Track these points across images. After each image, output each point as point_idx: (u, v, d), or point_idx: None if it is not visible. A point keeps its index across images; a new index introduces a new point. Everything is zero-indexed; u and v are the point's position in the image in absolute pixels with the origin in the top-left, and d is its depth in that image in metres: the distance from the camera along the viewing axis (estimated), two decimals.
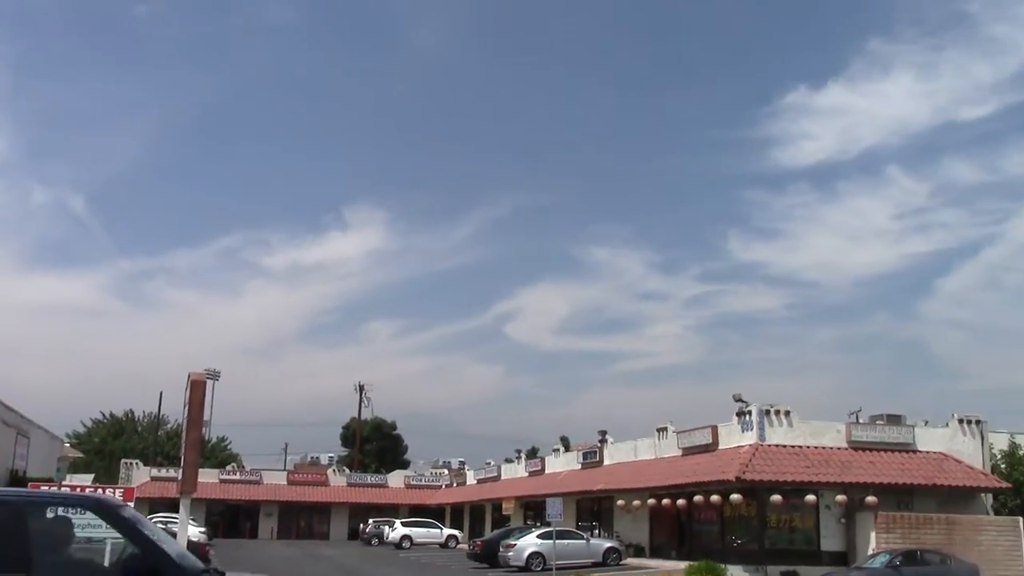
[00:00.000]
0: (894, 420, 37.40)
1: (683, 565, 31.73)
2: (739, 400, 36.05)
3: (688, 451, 38.88)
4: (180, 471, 16.90)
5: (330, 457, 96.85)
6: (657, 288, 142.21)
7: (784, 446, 34.89)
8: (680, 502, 36.64)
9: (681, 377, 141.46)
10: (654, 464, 41.04)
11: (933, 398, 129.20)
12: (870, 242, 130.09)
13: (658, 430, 42.13)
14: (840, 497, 33.43)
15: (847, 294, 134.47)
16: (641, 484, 39.64)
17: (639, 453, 43.79)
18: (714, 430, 37.51)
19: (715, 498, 34.14)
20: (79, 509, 8.37)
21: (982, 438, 37.07)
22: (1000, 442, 37.97)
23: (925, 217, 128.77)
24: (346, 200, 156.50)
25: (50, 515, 8.17)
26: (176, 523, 18.64)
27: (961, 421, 37.28)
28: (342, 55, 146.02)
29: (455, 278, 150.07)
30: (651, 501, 38.56)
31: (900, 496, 34.98)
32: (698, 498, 35.24)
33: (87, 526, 8.29)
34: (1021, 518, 34.26)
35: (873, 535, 32.56)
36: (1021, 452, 37.32)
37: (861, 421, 37.40)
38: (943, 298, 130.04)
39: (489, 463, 68.36)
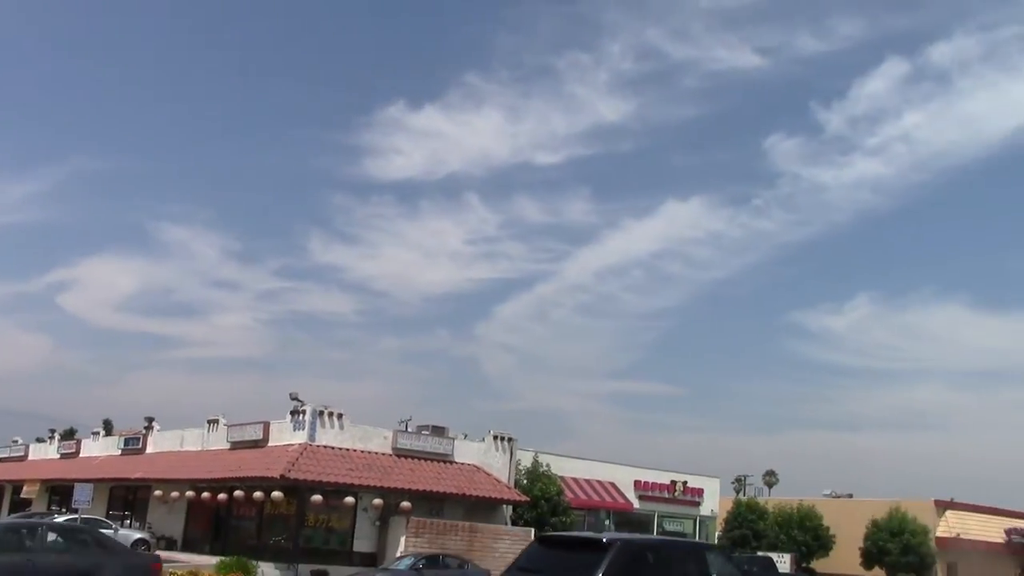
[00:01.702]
0: (438, 431, 39.64)
1: (215, 560, 31.10)
2: (295, 399, 36.23)
3: (237, 445, 38.28)
4: None
5: None
6: (232, 277, 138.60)
7: (332, 448, 35.59)
8: (221, 496, 35.93)
9: (245, 370, 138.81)
10: (200, 456, 39.92)
11: (479, 414, 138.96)
12: (442, 262, 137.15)
13: (209, 421, 41.08)
14: (377, 501, 34.75)
15: (415, 308, 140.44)
16: (183, 475, 38.35)
17: (186, 443, 42.39)
18: (266, 426, 37.32)
19: (257, 494, 33.91)
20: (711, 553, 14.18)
21: (511, 454, 40.51)
22: (526, 459, 41.65)
23: (493, 246, 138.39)
24: None
25: (712, 557, 13.85)
26: None
27: (496, 437, 40.47)
28: None
29: (8, 236, 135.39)
30: (190, 493, 37.44)
31: (433, 503, 37.09)
32: (239, 493, 34.80)
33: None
34: (534, 529, 37.81)
35: (403, 539, 34.17)
36: (542, 469, 41.16)
37: (409, 430, 39.18)
38: (498, 323, 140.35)
39: (16, 441, 62.25)
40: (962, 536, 55.05)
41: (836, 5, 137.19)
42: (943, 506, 56.61)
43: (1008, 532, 58.48)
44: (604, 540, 12.71)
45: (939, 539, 53.95)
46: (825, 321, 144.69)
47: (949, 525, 55.48)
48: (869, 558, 51.31)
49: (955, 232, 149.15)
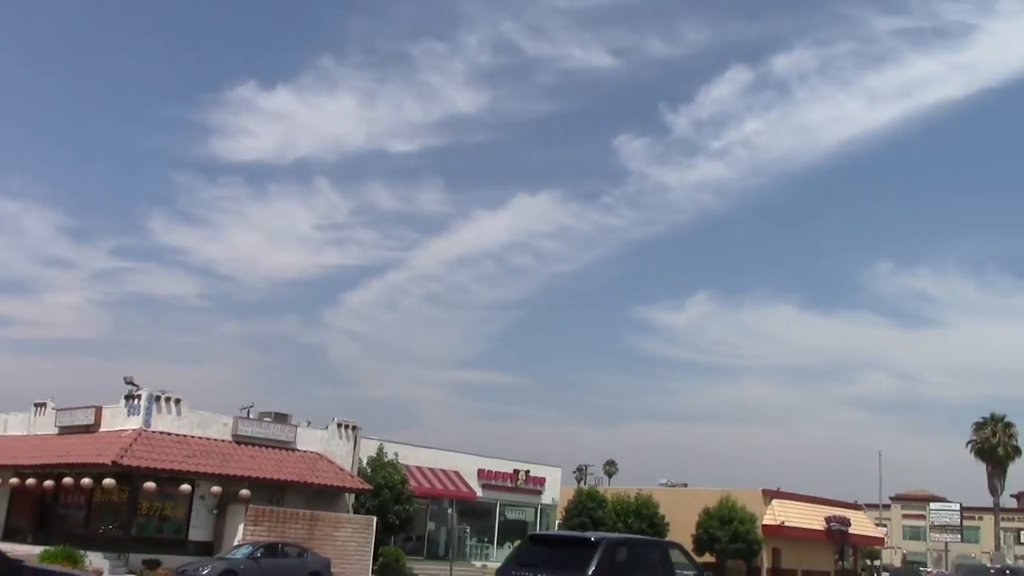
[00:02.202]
0: (281, 418, 38.97)
1: (39, 550, 29.70)
2: (130, 383, 34.89)
3: (66, 430, 36.63)
4: None
5: None
6: (65, 255, 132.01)
7: (169, 434, 34.48)
8: (47, 483, 34.34)
9: (77, 352, 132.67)
10: (25, 441, 38.03)
11: (324, 402, 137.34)
12: (291, 246, 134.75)
13: (36, 405, 39.17)
14: (215, 488, 33.91)
15: (261, 293, 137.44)
16: (5, 461, 36.44)
17: (9, 428, 40.33)
18: (98, 411, 35.85)
19: (86, 481, 32.57)
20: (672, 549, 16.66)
21: (355, 442, 40.22)
22: (371, 447, 41.41)
23: (344, 232, 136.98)
24: None
25: (672, 551, 16.41)
26: None
27: (340, 425, 40.09)
28: None
29: None
30: (14, 480, 35.64)
31: (274, 491, 36.47)
32: (68, 480, 33.34)
33: None
34: (376, 517, 37.71)
35: (241, 527, 33.47)
36: (387, 458, 41.01)
37: (250, 417, 38.37)
38: (346, 310, 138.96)
39: None
40: (786, 524, 57.99)
41: (684, 12, 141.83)
42: (770, 495, 59.48)
43: (828, 520, 61.94)
44: (593, 539, 15.37)
45: (765, 526, 56.66)
46: (666, 317, 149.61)
47: (775, 513, 58.33)
48: (700, 544, 53.35)
49: (789, 236, 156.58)
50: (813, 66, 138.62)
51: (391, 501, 39.41)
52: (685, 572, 16.86)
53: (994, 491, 72.61)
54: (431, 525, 45.77)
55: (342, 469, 38.69)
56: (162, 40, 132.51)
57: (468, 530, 47.40)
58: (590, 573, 13.92)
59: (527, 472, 50.12)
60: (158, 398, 34.67)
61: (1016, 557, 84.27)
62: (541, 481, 50.88)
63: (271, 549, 30.83)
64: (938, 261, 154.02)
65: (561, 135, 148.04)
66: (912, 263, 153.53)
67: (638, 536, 21.26)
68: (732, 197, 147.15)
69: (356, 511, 38.70)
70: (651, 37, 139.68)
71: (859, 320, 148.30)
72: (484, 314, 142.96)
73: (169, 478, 33.05)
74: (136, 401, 34.41)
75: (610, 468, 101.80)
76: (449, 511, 45.31)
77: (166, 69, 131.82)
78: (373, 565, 36.98)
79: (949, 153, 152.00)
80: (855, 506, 69.43)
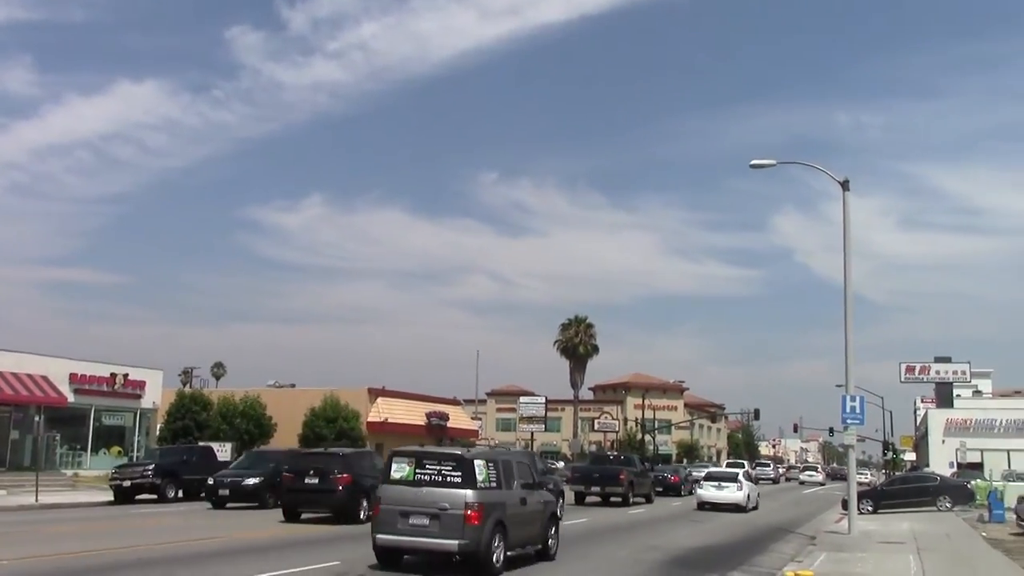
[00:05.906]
0: None
1: None
2: None
3: None
4: None
5: None
6: None
7: None
8: None
9: None
10: None
11: None
12: None
13: None
14: None
15: None
16: None
17: None
18: None
19: None
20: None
21: None
22: None
23: None
24: None
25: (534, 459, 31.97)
26: None
27: None
28: None
29: None
30: None
31: None
32: None
33: None
34: None
35: None
36: None
37: None
38: None
39: None
40: (390, 420, 60.74)
41: None
42: (375, 393, 61.85)
43: (428, 415, 65.69)
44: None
45: (370, 423, 59.00)
46: (279, 218, 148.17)
47: (379, 410, 60.82)
48: (307, 442, 54.42)
49: (401, 142, 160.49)
50: None
51: None
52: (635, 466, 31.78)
53: (575, 385, 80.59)
54: (15, 434, 42.50)
55: None
56: None
57: (58, 437, 44.64)
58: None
59: (125, 376, 47.91)
60: None
61: (590, 443, 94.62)
62: (141, 385, 48.91)
63: None
64: (538, 175, 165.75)
65: (170, 21, 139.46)
66: (514, 175, 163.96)
67: (507, 450, 26.89)
68: (348, 100, 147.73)
69: None
70: None
71: (464, 227, 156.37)
72: (79, 208, 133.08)
73: None
74: None
75: (218, 370, 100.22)
76: (36, 418, 42.34)
77: None
78: None
79: (548, 73, 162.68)
80: (454, 402, 74.09)
